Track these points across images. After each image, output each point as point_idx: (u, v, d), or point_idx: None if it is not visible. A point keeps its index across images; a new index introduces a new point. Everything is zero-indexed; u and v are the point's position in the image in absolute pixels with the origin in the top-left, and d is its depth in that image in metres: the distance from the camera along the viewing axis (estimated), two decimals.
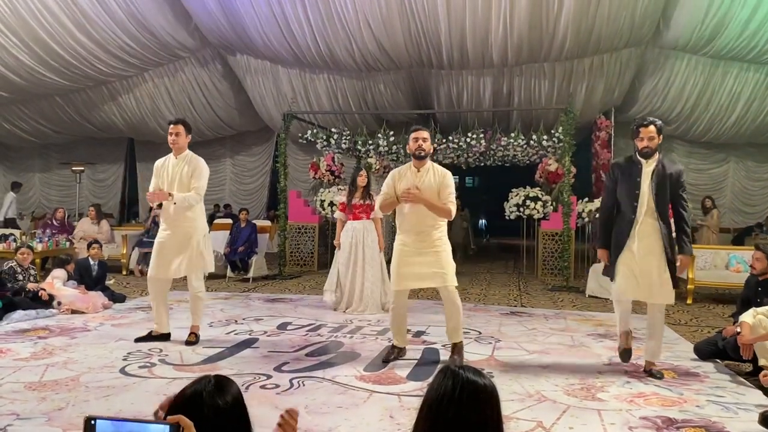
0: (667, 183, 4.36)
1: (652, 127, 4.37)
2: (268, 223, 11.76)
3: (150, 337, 5.40)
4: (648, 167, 4.39)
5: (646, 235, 4.37)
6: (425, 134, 4.75)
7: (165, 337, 5.46)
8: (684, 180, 4.48)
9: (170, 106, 14.78)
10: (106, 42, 12.54)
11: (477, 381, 1.56)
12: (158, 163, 5.54)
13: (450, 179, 4.73)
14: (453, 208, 4.65)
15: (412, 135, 4.77)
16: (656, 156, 4.40)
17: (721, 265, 8.92)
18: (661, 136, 4.39)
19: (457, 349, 4.83)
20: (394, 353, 4.91)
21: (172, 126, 5.40)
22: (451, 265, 4.74)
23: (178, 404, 1.57)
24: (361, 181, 7.16)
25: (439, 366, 4.55)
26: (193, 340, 5.36)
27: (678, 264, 4.38)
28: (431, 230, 4.71)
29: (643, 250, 4.36)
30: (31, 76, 13.18)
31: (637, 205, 4.37)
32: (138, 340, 5.36)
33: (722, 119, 13.41)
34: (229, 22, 12.19)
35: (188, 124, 5.52)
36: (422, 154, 4.72)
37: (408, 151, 4.83)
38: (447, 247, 4.78)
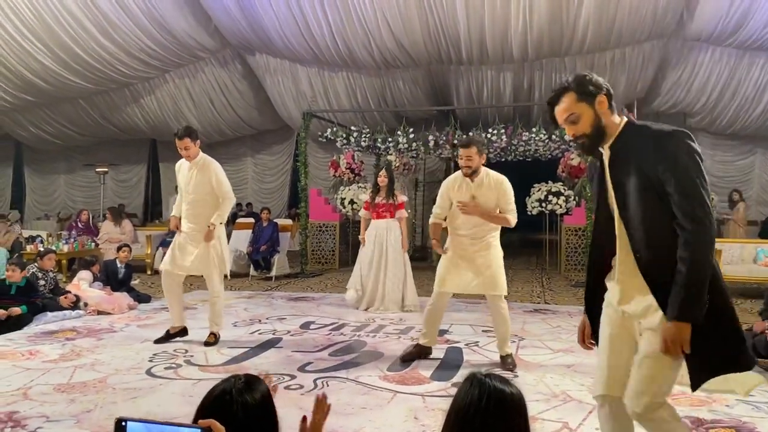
0: (641, 177, 2.14)
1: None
2: (289, 221, 11.81)
3: (168, 336, 5.45)
4: (606, 157, 2.28)
5: (626, 286, 2.25)
6: (470, 152, 4.54)
7: (183, 332, 5.51)
8: (680, 159, 2.06)
9: (191, 106, 14.93)
10: (127, 45, 12.70)
11: (504, 390, 1.55)
12: (178, 165, 5.58)
13: (507, 186, 4.61)
14: (512, 217, 4.56)
15: (459, 152, 4.68)
16: (619, 127, 2.24)
17: (749, 259, 8.78)
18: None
19: (504, 361, 4.67)
20: (416, 352, 4.85)
21: (178, 141, 5.27)
22: (501, 274, 4.65)
23: (207, 402, 1.59)
24: (381, 181, 7.17)
25: (466, 373, 4.52)
26: (211, 341, 5.37)
27: (663, 338, 2.07)
28: (486, 236, 4.64)
29: (625, 311, 2.27)
30: (55, 80, 13.39)
31: (613, 229, 2.28)
32: (158, 341, 5.40)
33: (748, 110, 13.19)
34: (248, 23, 12.26)
35: (194, 132, 5.38)
36: (470, 172, 4.59)
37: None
38: (498, 254, 4.68)
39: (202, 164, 5.39)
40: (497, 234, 4.71)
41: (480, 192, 4.59)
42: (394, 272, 7.11)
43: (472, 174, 4.59)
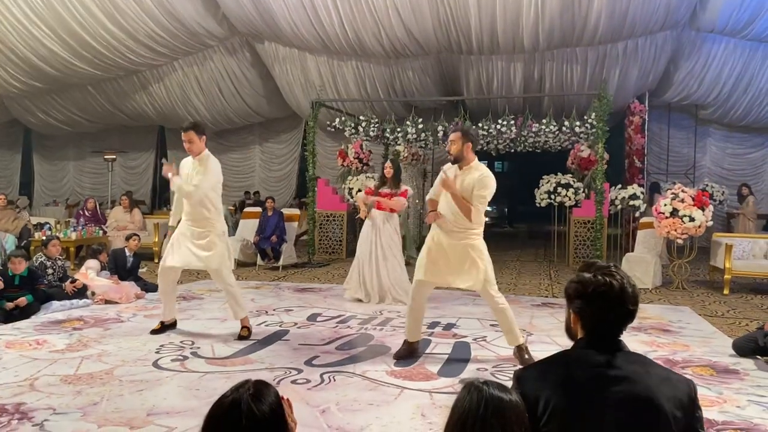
0: None
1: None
2: (296, 211, 11.77)
3: (163, 328, 5.44)
4: None
5: None
6: (453, 136, 4.58)
7: (174, 324, 5.52)
8: None
9: (199, 94, 14.90)
10: (135, 32, 12.66)
11: (502, 397, 1.52)
12: (182, 162, 5.51)
13: (486, 180, 4.48)
14: (476, 210, 4.44)
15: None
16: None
17: (760, 254, 8.69)
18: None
19: (520, 355, 4.56)
20: (405, 349, 4.77)
21: (183, 134, 5.27)
22: (487, 268, 4.53)
23: (217, 412, 1.57)
24: (387, 172, 7.14)
25: (473, 369, 4.46)
26: (245, 334, 5.30)
27: None
28: (465, 230, 4.54)
29: None
30: (64, 67, 13.38)
31: None
32: (153, 332, 5.39)
33: (762, 103, 13.07)
34: (257, 10, 12.18)
35: (199, 127, 5.37)
36: (449, 158, 4.65)
37: None
38: (482, 248, 4.56)
39: (203, 160, 5.32)
40: (479, 233, 4.59)
41: (463, 179, 4.54)
42: (396, 262, 7.10)
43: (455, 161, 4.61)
